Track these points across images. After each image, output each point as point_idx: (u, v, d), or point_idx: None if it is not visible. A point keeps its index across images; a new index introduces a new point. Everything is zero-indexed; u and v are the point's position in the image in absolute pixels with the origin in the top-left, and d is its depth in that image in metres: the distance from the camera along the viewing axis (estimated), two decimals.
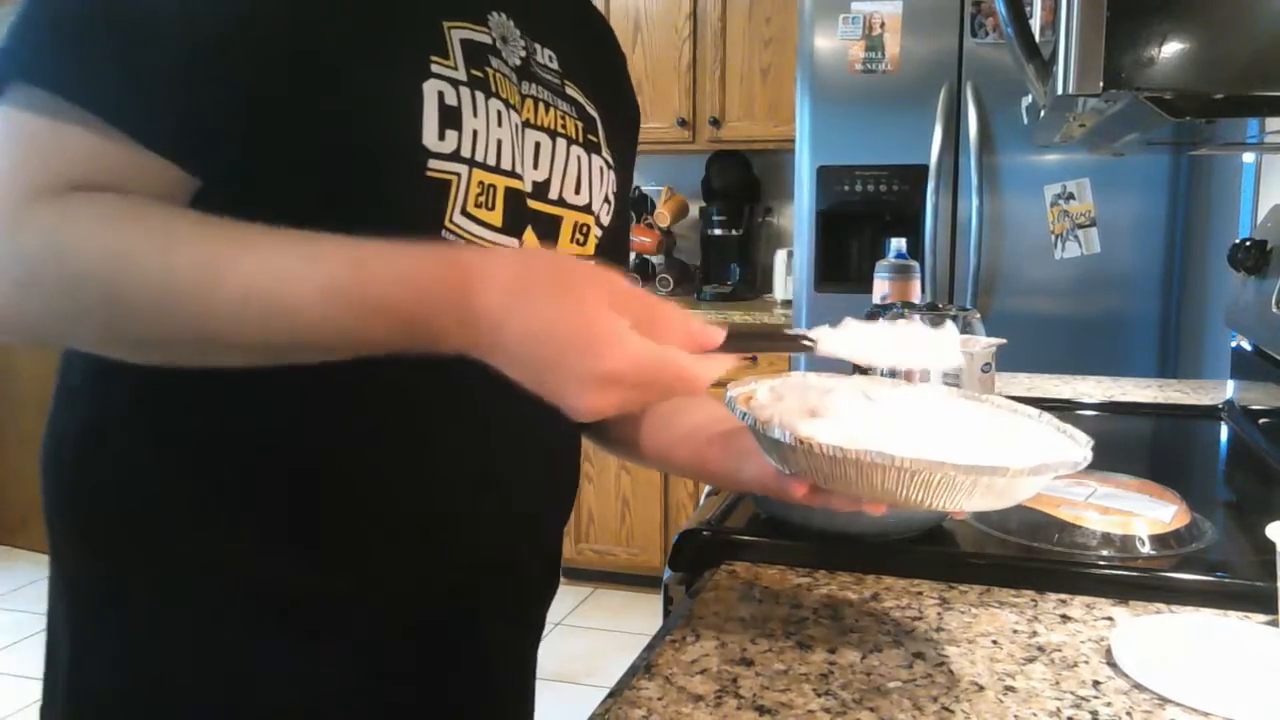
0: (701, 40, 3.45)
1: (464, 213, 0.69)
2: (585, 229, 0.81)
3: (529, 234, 0.75)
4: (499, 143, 0.71)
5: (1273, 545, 0.75)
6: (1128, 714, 0.66)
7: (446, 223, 0.68)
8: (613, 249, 0.87)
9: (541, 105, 0.77)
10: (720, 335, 0.59)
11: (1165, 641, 0.74)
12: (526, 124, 0.76)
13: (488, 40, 0.73)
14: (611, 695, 0.68)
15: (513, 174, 0.73)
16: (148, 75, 0.60)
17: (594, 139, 0.83)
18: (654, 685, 0.69)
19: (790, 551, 0.91)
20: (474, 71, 0.70)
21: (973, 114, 2.60)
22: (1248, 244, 1.42)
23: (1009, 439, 0.68)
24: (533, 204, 0.75)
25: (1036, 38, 0.98)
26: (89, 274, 0.57)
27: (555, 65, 0.81)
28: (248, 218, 0.59)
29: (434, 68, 0.67)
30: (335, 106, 0.64)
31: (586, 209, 0.81)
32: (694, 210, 3.75)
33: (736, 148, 3.58)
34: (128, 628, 0.72)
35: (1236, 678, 0.70)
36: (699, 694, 0.68)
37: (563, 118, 0.79)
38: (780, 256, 3.51)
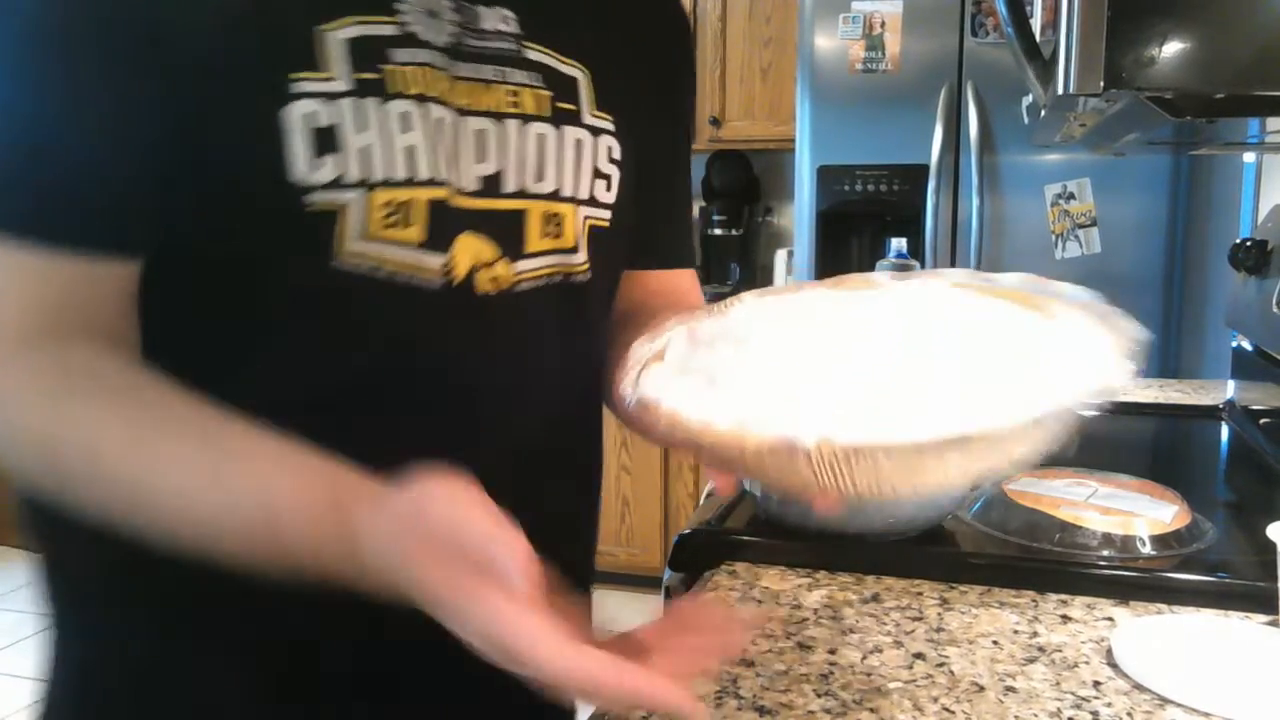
0: (701, 40, 3.45)
1: (368, 238, 0.62)
2: (558, 219, 0.72)
3: (463, 242, 0.66)
4: (409, 150, 0.63)
5: (1273, 545, 0.75)
6: (1128, 714, 0.66)
7: (340, 255, 0.61)
8: (650, 220, 0.82)
9: (480, 86, 0.67)
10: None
11: (1166, 642, 0.74)
12: (464, 112, 0.66)
13: (389, 31, 0.63)
14: None
15: (433, 182, 0.64)
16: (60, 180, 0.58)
17: (567, 106, 0.72)
18: None
19: (790, 552, 0.91)
20: (362, 75, 0.61)
21: (973, 114, 2.59)
22: (1248, 244, 1.42)
23: (1010, 364, 0.50)
24: (480, 203, 0.67)
25: (1037, 37, 0.98)
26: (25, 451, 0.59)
27: (512, 28, 0.70)
28: (158, 279, 0.61)
29: (298, 86, 0.59)
30: (191, 155, 0.59)
31: (555, 195, 0.71)
32: (694, 210, 3.75)
33: (736, 147, 3.58)
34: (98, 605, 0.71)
35: (1237, 678, 0.70)
36: (699, 694, 0.67)
37: (513, 94, 0.69)
38: (780, 256, 3.50)
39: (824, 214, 2.78)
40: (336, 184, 0.60)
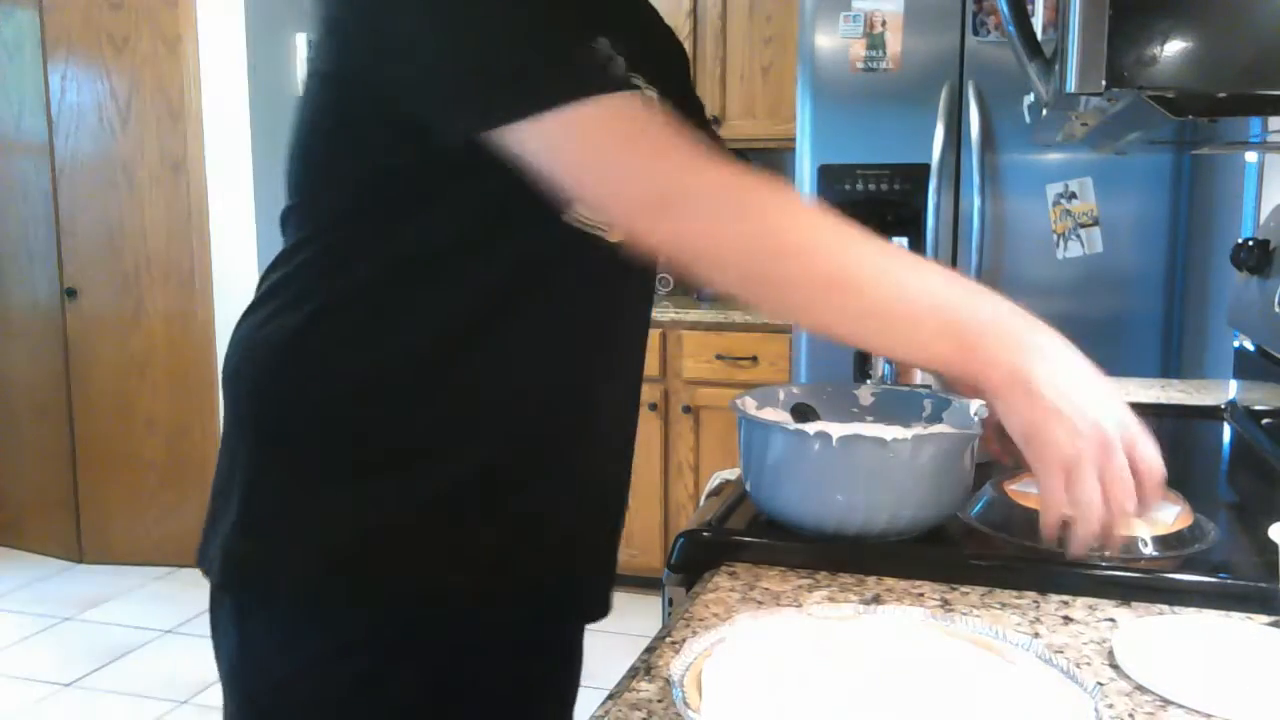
0: (702, 39, 3.45)
1: None
2: None
3: None
4: None
5: (1275, 546, 0.74)
6: (1130, 716, 0.65)
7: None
8: None
9: None
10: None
11: (1168, 643, 0.74)
12: None
13: None
14: (611, 697, 0.68)
15: None
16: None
17: None
18: (653, 687, 0.69)
19: (790, 552, 0.91)
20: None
21: (975, 113, 2.59)
22: (1250, 243, 1.41)
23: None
24: None
25: (1039, 36, 0.97)
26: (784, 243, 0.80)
27: None
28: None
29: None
30: None
31: None
32: None
33: (737, 146, 3.55)
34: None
35: (1239, 679, 0.70)
36: None
37: None
38: None
39: None
40: None
